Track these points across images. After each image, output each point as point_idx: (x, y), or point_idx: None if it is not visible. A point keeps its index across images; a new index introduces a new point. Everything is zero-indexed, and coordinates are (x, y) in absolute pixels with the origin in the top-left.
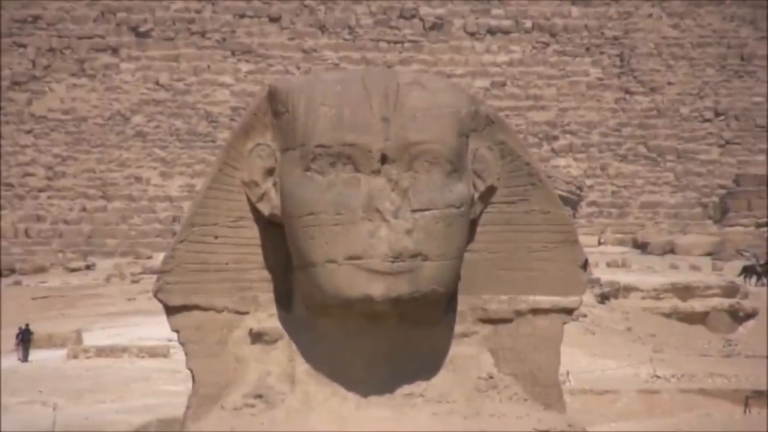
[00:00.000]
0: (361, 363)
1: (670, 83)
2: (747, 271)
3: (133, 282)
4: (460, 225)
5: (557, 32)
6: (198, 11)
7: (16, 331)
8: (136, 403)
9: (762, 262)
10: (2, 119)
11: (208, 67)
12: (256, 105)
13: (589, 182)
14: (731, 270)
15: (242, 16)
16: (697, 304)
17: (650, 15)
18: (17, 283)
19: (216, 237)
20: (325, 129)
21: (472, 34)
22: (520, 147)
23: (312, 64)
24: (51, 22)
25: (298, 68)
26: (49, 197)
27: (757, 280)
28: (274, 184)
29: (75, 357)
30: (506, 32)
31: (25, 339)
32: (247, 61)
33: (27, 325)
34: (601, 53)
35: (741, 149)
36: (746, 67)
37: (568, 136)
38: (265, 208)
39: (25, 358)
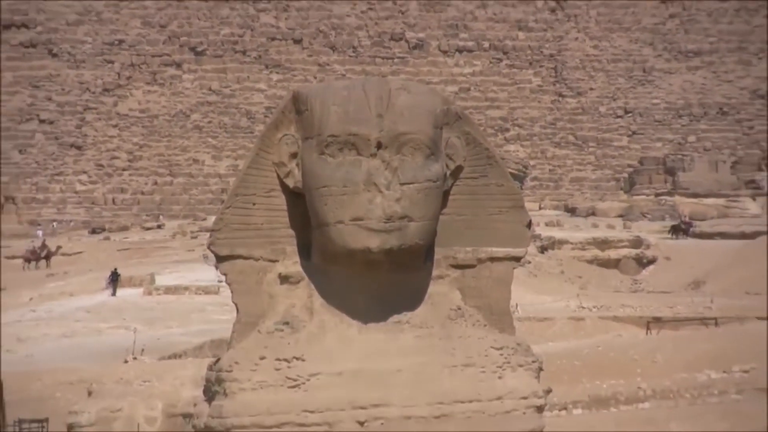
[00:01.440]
0: (362, 299)
1: (591, 89)
2: (674, 230)
3: (192, 238)
4: (436, 195)
5: (508, 51)
6: (240, 35)
7: (107, 274)
8: (195, 328)
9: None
10: (95, 117)
11: (248, 77)
12: (283, 105)
13: (532, 163)
14: (637, 228)
15: (273, 38)
16: (612, 253)
17: (576, 38)
18: (106, 238)
19: (254, 204)
20: (335, 123)
21: (444, 52)
22: (480, 136)
23: (325, 74)
24: (131, 44)
25: (315, 78)
26: (130, 174)
27: (683, 235)
28: (297, 165)
29: (149, 294)
30: (470, 51)
31: (114, 279)
32: (276, 72)
33: (115, 269)
34: (541, 66)
35: (644, 138)
36: (647, 77)
37: (516, 128)
38: (290, 182)
39: (113, 294)
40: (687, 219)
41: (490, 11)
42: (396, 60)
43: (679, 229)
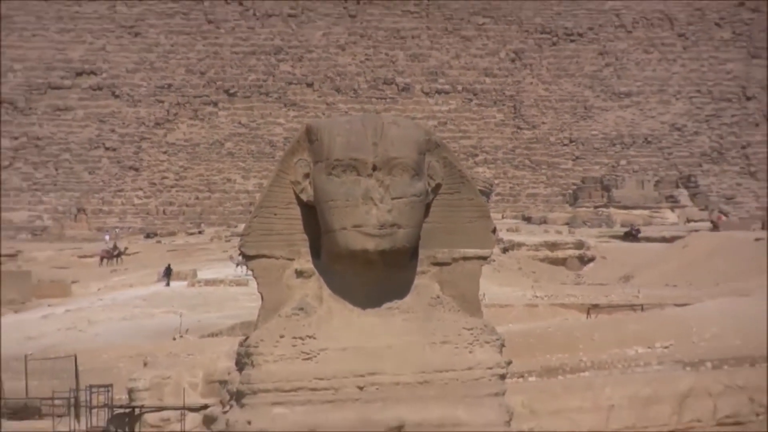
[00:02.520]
0: (361, 290)
1: (543, 122)
2: (627, 235)
3: (226, 241)
4: (420, 207)
5: (477, 92)
6: (264, 80)
7: (161, 269)
8: (228, 313)
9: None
10: (149, 145)
11: (270, 113)
12: (298, 136)
13: (496, 181)
14: (579, 233)
15: (290, 83)
16: (559, 253)
17: (531, 82)
18: (158, 241)
19: (275, 214)
20: (339, 150)
21: (426, 94)
22: (455, 160)
23: (331, 111)
24: (178, 87)
25: (323, 114)
26: (176, 191)
27: (633, 239)
28: (309, 183)
29: (192, 285)
30: (446, 92)
31: (168, 273)
32: (293, 110)
33: (169, 264)
34: (503, 105)
35: (585, 162)
36: (587, 113)
37: (484, 154)
38: (304, 197)
39: (168, 284)
40: (636, 227)
41: (462, 61)
42: (388, 100)
43: (630, 235)
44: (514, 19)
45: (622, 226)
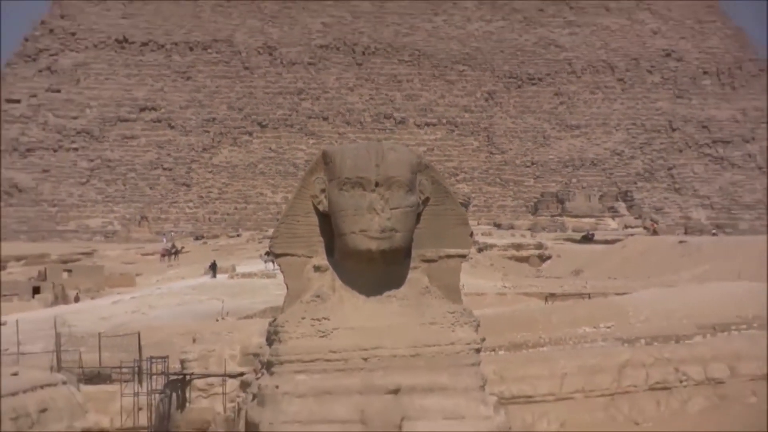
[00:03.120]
0: (365, 281)
1: (510, 149)
2: (584, 238)
3: (259, 243)
4: (413, 216)
5: (458, 125)
6: (289, 115)
7: (208, 264)
8: (260, 299)
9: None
10: (198, 166)
11: (294, 141)
12: (316, 159)
13: (473, 195)
14: (539, 237)
15: (310, 117)
16: (523, 253)
17: (501, 117)
18: (204, 243)
19: (298, 221)
20: (349, 170)
21: (418, 126)
22: (441, 178)
23: (342, 140)
24: (221, 120)
25: (336, 142)
26: (219, 203)
27: (589, 242)
28: (325, 196)
29: (232, 278)
30: (434, 125)
31: (213, 268)
32: (312, 138)
33: (214, 261)
34: (479, 135)
35: (544, 180)
36: (546, 142)
37: (463, 174)
38: (321, 207)
39: (214, 276)
40: (591, 232)
41: (447, 100)
42: (387, 130)
43: (587, 238)
44: (487, 66)
45: (574, 231)
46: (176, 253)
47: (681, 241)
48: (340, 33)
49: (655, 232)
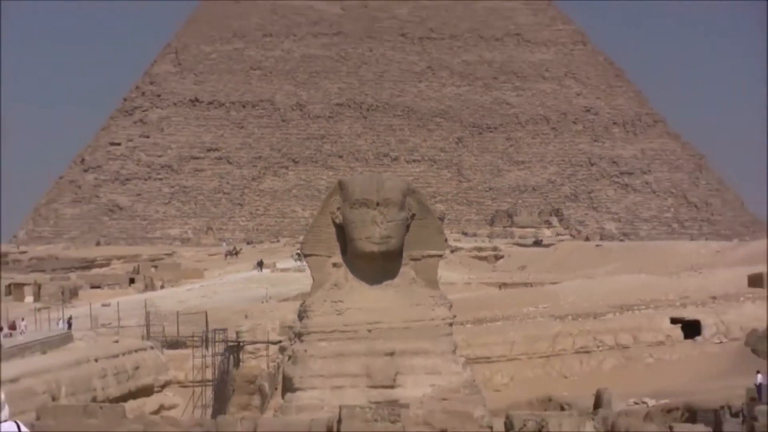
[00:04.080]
0: (369, 274)
1: (474, 178)
2: (534, 243)
3: (293, 246)
4: (404, 227)
5: (436, 161)
6: (314, 154)
7: (256, 261)
8: (293, 287)
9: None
10: (248, 191)
11: (318, 174)
12: (334, 186)
13: (447, 212)
14: (495, 242)
15: (329, 155)
16: (483, 254)
17: (467, 156)
18: (254, 246)
19: (321, 230)
20: (357, 194)
21: (407, 162)
22: (424, 200)
23: (352, 172)
24: (264, 157)
25: (348, 174)
26: (264, 217)
27: (538, 246)
28: (340, 212)
29: (273, 272)
30: (418, 161)
31: (260, 264)
32: (330, 171)
33: (261, 259)
34: (451, 168)
35: (498, 201)
36: (500, 173)
37: (439, 197)
38: (337, 221)
39: (260, 271)
40: (540, 238)
41: (428, 143)
42: (384, 165)
43: (537, 242)
44: (457, 119)
45: (519, 238)
46: (236, 253)
47: (597, 245)
48: (351, 95)
49: (587, 239)
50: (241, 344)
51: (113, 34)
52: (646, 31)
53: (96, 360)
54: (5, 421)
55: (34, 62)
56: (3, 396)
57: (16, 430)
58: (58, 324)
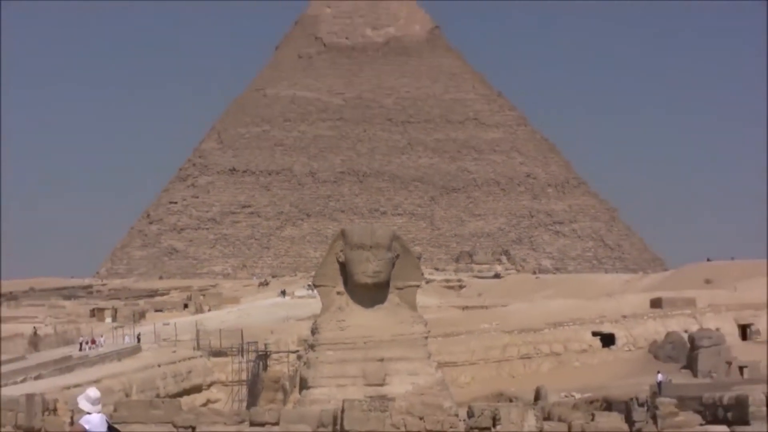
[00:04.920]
0: (365, 300)
1: (443, 227)
2: (494, 276)
3: (307, 280)
4: (390, 264)
5: (415, 215)
6: (323, 209)
7: (279, 290)
8: (307, 310)
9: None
10: (272, 239)
11: (325, 225)
12: (337, 233)
13: (423, 253)
14: (459, 275)
15: (334, 210)
16: (450, 284)
17: (438, 212)
18: (277, 279)
19: (328, 267)
20: (355, 239)
21: (393, 215)
22: (406, 244)
23: (351, 223)
24: (285, 212)
25: (348, 224)
26: (285, 257)
27: (496, 278)
28: (342, 253)
29: (292, 298)
30: (401, 215)
31: (283, 292)
32: (335, 222)
33: (284, 289)
34: (426, 221)
35: (462, 244)
36: (462, 224)
37: (417, 242)
38: (340, 260)
39: (283, 298)
40: (498, 272)
41: (408, 201)
42: (376, 218)
43: (496, 275)
44: (429, 182)
45: (478, 272)
46: (267, 284)
47: (536, 277)
48: (350, 165)
49: (533, 272)
50: (268, 353)
51: (172, 118)
52: (576, 112)
53: (159, 365)
54: (99, 413)
55: (110, 142)
56: (99, 393)
57: (102, 420)
58: (126, 339)
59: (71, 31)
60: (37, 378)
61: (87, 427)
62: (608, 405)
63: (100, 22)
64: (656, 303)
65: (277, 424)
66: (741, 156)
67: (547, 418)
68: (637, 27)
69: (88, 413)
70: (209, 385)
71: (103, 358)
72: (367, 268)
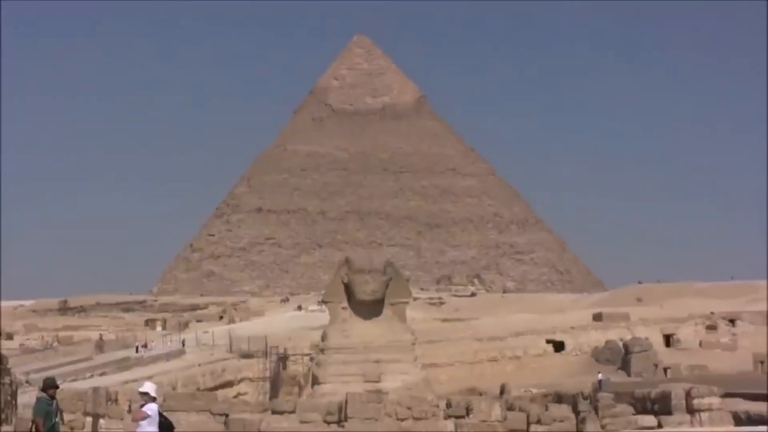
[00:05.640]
0: (365, 314)
1: (426, 255)
2: (471, 294)
3: (318, 296)
4: (385, 285)
5: (404, 245)
6: (331, 242)
7: (296, 305)
8: (318, 322)
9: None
10: (291, 264)
11: (333, 254)
12: (342, 260)
13: (410, 276)
14: (440, 295)
15: (340, 242)
16: (432, 301)
17: (422, 244)
18: (296, 296)
19: (334, 287)
20: (357, 266)
21: (388, 246)
22: (397, 269)
23: (353, 251)
24: (301, 244)
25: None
26: (302, 280)
27: (473, 296)
28: (346, 276)
29: (306, 312)
30: (393, 245)
31: (299, 307)
32: (341, 252)
33: (300, 304)
34: (412, 251)
35: (442, 270)
36: (443, 253)
37: (406, 269)
38: (344, 281)
39: (299, 311)
40: (474, 291)
41: (399, 235)
42: (373, 248)
43: (473, 294)
44: (417, 220)
45: (455, 292)
46: (287, 300)
47: (502, 296)
48: (354, 206)
49: (505, 291)
50: (287, 356)
51: (210, 168)
52: (538, 164)
53: (199, 365)
54: (155, 402)
55: (163, 187)
56: (156, 387)
57: (156, 409)
58: (169, 342)
59: (130, 86)
60: (101, 374)
61: (149, 413)
62: (559, 398)
63: (155, 80)
64: (598, 317)
65: (293, 412)
66: (665, 197)
67: (510, 408)
68: (593, 84)
69: (153, 398)
70: (239, 381)
71: (154, 359)
72: (367, 288)
